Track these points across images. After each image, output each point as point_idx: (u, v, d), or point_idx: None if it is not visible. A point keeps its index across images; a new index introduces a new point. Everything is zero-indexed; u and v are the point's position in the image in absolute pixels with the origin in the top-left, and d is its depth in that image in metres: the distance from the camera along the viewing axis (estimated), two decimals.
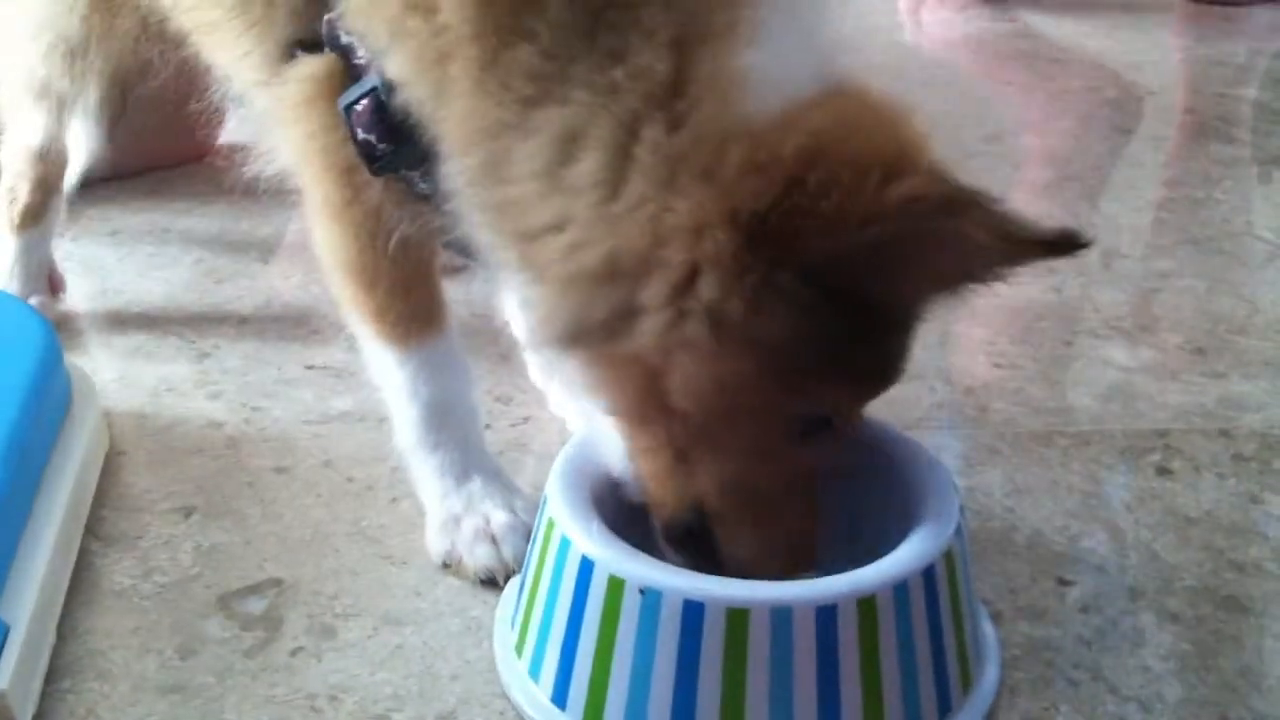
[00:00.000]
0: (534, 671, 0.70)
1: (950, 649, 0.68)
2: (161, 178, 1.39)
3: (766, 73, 0.63)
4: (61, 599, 0.76)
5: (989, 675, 0.72)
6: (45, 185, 1.10)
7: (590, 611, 0.67)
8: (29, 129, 1.06)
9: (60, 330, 0.91)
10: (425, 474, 0.84)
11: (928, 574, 0.67)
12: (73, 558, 0.79)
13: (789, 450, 0.69)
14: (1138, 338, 1.11)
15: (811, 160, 0.61)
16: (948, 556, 0.68)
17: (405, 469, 0.84)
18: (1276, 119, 1.71)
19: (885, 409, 0.97)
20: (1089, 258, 1.25)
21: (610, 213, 0.64)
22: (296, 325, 1.10)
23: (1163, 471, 0.91)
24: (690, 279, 0.63)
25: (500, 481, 0.84)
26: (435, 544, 0.82)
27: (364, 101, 0.72)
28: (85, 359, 1.01)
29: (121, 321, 1.10)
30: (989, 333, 1.11)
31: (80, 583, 0.79)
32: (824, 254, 0.61)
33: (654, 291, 0.64)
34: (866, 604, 0.65)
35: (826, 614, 0.65)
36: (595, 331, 0.66)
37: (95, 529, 0.83)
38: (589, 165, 0.64)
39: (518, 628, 0.73)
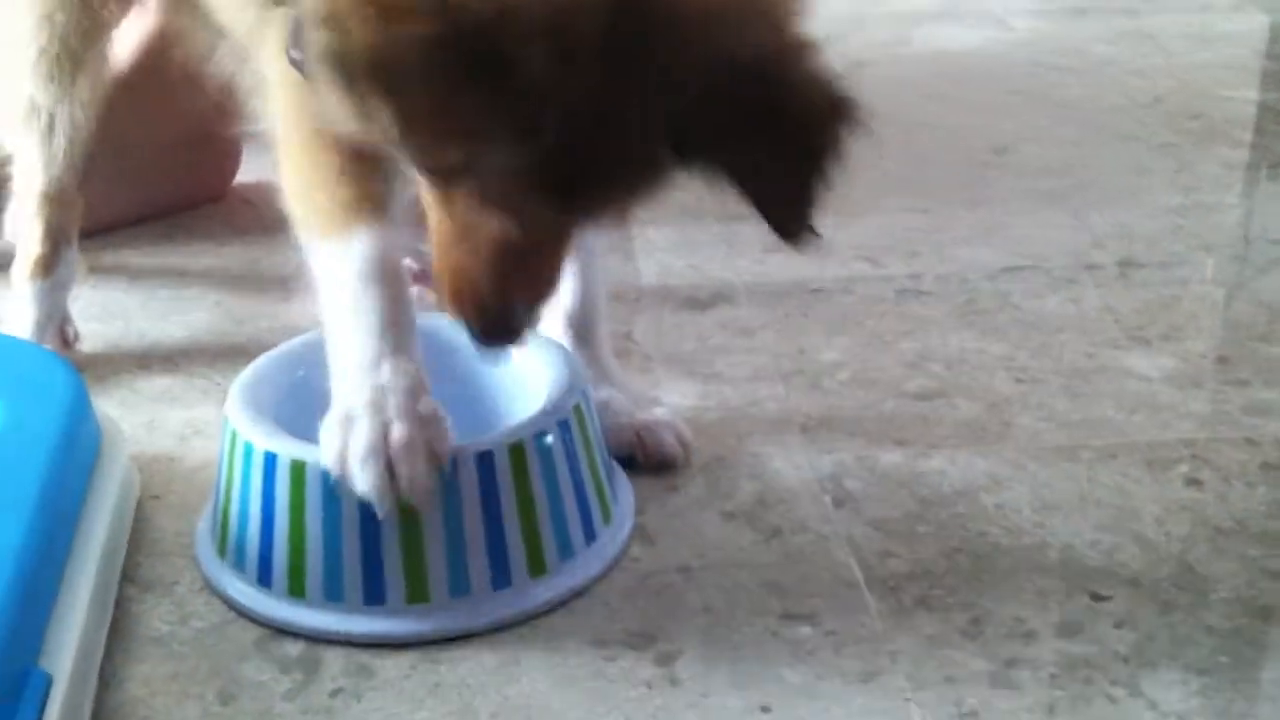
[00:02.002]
0: (239, 564, 0.81)
1: (589, 486, 0.84)
2: (176, 221, 1.39)
3: None
4: (101, 647, 0.76)
5: (625, 509, 0.88)
6: (55, 234, 1.11)
7: (280, 498, 0.79)
8: (30, 166, 1.08)
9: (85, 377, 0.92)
10: (334, 353, 0.80)
11: (563, 425, 0.82)
12: (110, 605, 0.80)
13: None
14: (1159, 347, 1.11)
15: None
16: (577, 410, 0.84)
17: None
18: None
19: (911, 426, 0.98)
20: (1106, 268, 1.26)
21: None
22: None
23: (1191, 482, 0.92)
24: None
25: (413, 380, 0.78)
26: (326, 442, 0.77)
27: None
28: (112, 405, 1.01)
29: (146, 366, 1.11)
30: (1008, 347, 1.11)
31: (119, 630, 0.79)
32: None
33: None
34: (516, 449, 0.79)
35: (485, 459, 0.78)
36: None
37: (131, 575, 0.84)
38: None
39: (217, 536, 0.84)
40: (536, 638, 0.78)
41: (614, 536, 0.86)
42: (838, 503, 0.90)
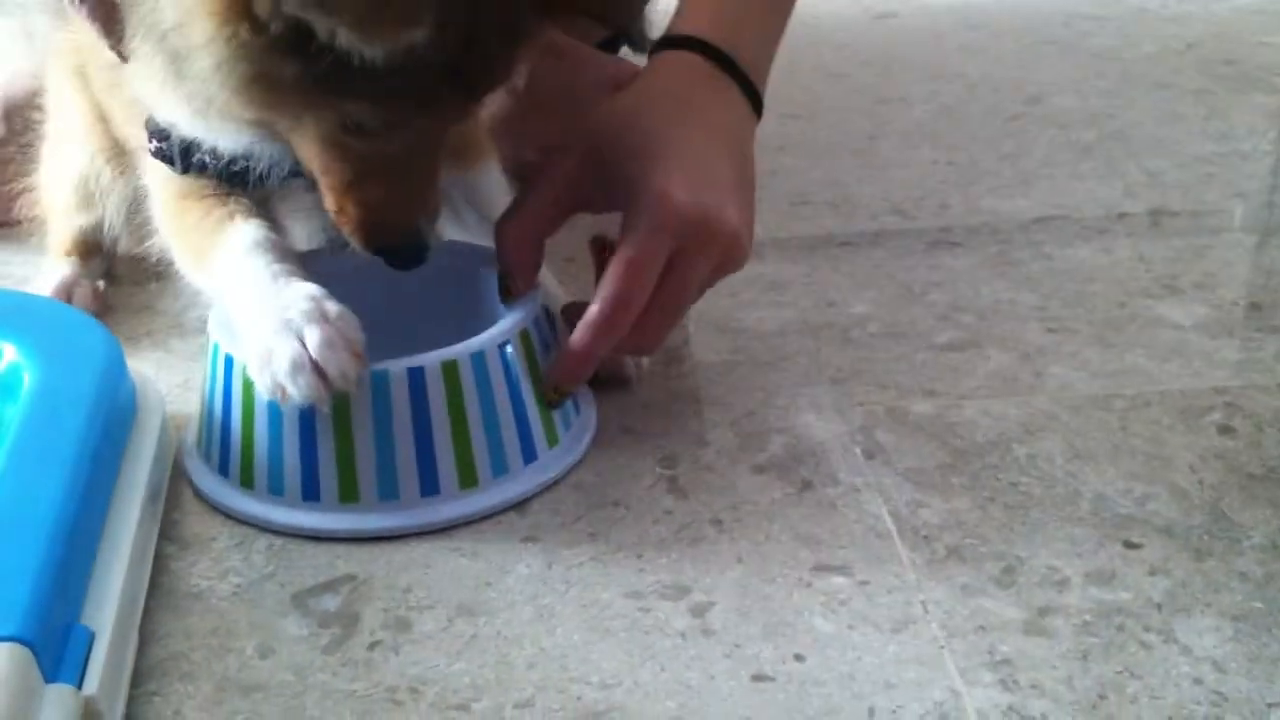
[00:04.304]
0: (223, 470, 0.88)
1: (531, 408, 0.87)
2: None
3: None
4: (141, 603, 0.77)
5: (581, 438, 0.91)
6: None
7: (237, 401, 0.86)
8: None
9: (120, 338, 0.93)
10: (235, 310, 0.86)
11: (502, 346, 0.86)
12: (149, 562, 0.81)
13: (347, 145, 0.80)
14: (1192, 295, 1.10)
15: None
16: (524, 335, 0.88)
17: None
18: None
19: (942, 377, 0.98)
20: (1139, 217, 1.25)
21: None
22: None
23: (1225, 430, 0.91)
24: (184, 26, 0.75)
25: (311, 290, 0.83)
26: (259, 381, 0.82)
27: None
28: (148, 365, 1.02)
29: (180, 326, 1.12)
30: (1039, 298, 1.11)
31: (158, 587, 0.80)
32: (276, 16, 0.71)
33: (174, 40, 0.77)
34: (449, 367, 0.84)
35: (416, 375, 0.83)
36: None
37: (169, 533, 0.85)
38: None
39: (201, 440, 0.91)
40: (571, 589, 0.79)
41: (559, 459, 0.89)
42: (868, 454, 0.90)
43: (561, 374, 0.89)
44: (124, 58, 0.85)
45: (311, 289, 0.83)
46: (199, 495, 0.88)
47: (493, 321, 0.89)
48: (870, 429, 0.93)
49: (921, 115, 1.55)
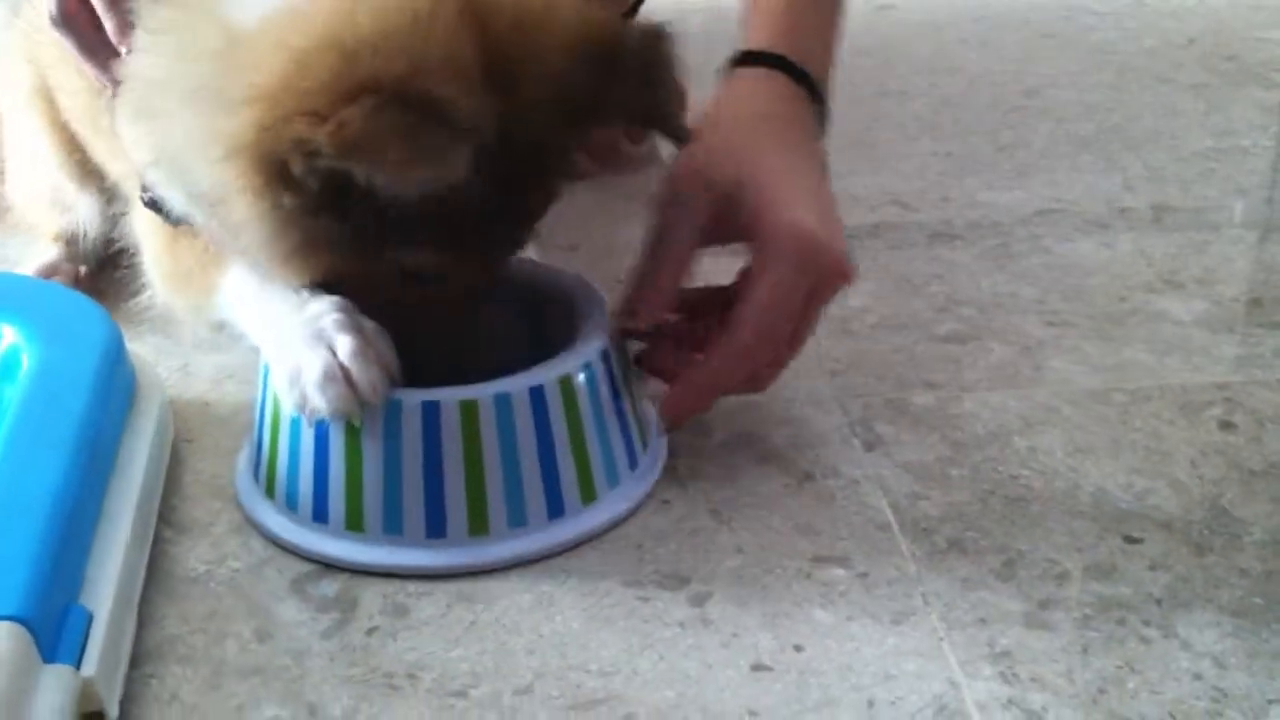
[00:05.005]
0: (291, 504, 0.82)
1: (629, 416, 0.86)
2: None
3: None
4: (139, 586, 0.77)
5: (656, 440, 0.89)
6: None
7: (334, 433, 0.79)
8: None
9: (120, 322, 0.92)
10: (257, 331, 0.84)
11: (604, 355, 0.84)
12: (148, 546, 0.81)
13: (407, 291, 0.79)
14: (1192, 290, 1.10)
15: (288, 82, 0.69)
16: (606, 352, 0.84)
17: None
18: None
19: (942, 370, 0.98)
20: (1139, 211, 1.25)
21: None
22: None
23: (1225, 425, 0.91)
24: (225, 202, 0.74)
25: (340, 304, 0.80)
26: (287, 398, 0.79)
27: None
28: (147, 350, 1.02)
29: None
30: (1040, 291, 1.11)
31: (156, 570, 0.80)
32: (313, 173, 0.69)
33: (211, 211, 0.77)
34: (565, 383, 0.81)
35: (537, 394, 0.80)
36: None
37: (167, 517, 0.85)
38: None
39: (264, 479, 0.84)
40: (571, 578, 0.78)
41: (654, 461, 0.88)
42: (868, 446, 0.90)
43: (684, 405, 0.88)
44: (112, 90, 0.83)
45: (340, 301, 0.80)
46: (279, 544, 0.82)
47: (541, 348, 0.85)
48: (870, 421, 0.93)
49: (921, 107, 1.55)
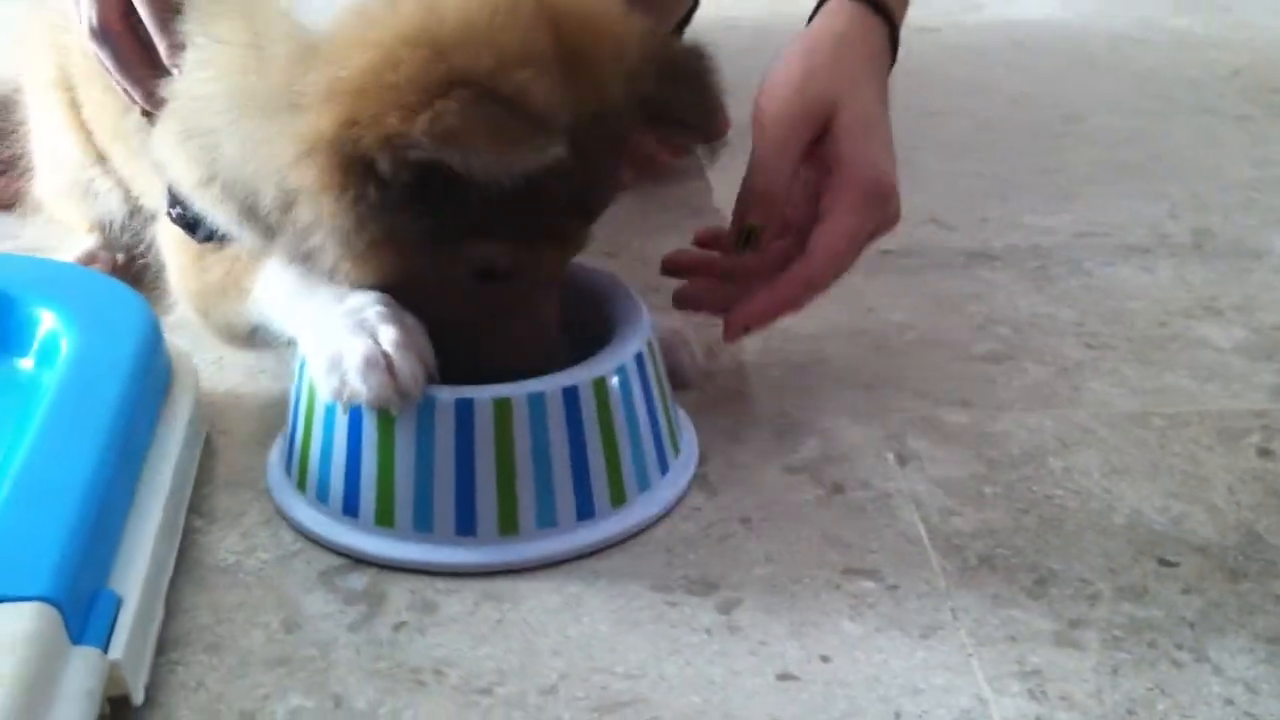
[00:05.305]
0: (322, 497, 0.82)
1: (661, 420, 0.86)
2: None
3: None
4: (169, 574, 0.77)
5: (688, 446, 0.89)
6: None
7: (368, 428, 0.79)
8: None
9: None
10: (295, 323, 0.84)
11: (639, 358, 0.84)
12: (178, 534, 0.81)
13: (475, 291, 0.80)
14: (1232, 318, 1.09)
15: (375, 77, 0.70)
16: (650, 348, 0.85)
17: None
18: None
19: (978, 388, 0.97)
20: (1180, 238, 1.24)
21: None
22: None
23: (1263, 453, 0.90)
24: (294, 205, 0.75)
25: (381, 296, 0.80)
26: (325, 385, 0.78)
27: None
28: (183, 341, 1.02)
29: None
30: (1078, 314, 1.10)
31: (186, 559, 0.80)
32: (403, 166, 0.70)
33: (276, 217, 0.77)
34: (599, 385, 0.81)
35: (570, 395, 0.80)
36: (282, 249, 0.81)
37: (198, 506, 0.85)
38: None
39: (296, 471, 0.84)
40: (599, 580, 0.78)
41: (685, 466, 0.88)
42: (901, 460, 0.90)
43: (752, 319, 0.92)
44: (149, 116, 0.84)
45: (383, 295, 0.80)
46: (309, 537, 0.82)
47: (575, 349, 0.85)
48: (903, 435, 0.93)
49: (963, 129, 1.54)
